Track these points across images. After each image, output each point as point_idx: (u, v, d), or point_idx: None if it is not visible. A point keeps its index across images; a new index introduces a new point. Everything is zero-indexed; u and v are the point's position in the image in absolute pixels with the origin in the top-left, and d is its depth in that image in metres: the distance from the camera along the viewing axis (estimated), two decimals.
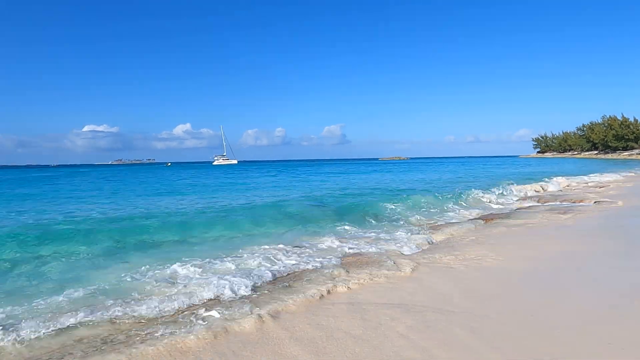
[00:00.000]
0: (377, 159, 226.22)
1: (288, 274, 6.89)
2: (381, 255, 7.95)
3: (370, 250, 8.68)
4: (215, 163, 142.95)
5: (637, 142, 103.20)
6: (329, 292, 5.77)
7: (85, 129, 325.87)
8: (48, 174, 67.21)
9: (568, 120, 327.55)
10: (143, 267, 7.20)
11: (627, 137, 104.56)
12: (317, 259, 7.76)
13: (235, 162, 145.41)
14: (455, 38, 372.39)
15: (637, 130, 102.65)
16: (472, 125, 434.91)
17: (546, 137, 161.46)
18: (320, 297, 5.56)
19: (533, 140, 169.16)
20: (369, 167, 77.52)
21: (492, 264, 7.01)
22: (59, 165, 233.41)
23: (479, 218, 12.84)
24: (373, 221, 12.21)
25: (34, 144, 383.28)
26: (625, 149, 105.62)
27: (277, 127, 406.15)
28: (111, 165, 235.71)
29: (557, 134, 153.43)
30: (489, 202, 17.20)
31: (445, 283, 6.03)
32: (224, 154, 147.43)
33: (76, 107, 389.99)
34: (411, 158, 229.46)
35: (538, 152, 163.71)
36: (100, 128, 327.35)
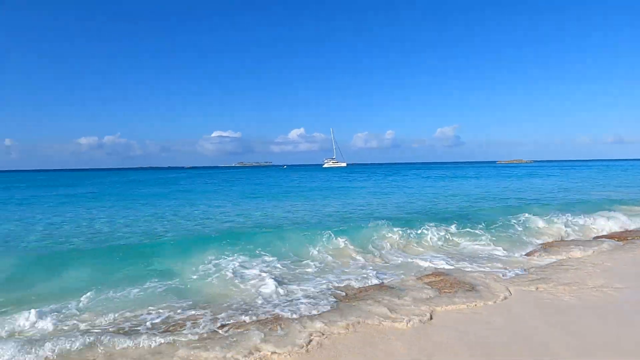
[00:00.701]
0: (494, 162, 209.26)
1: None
2: (474, 276, 7.02)
3: (464, 268, 7.79)
4: (325, 166, 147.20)
5: None
6: (391, 321, 5.20)
7: (214, 134, 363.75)
8: (205, 179, 75.97)
9: None
10: None
11: None
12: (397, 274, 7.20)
13: (344, 164, 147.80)
14: (585, 25, 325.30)
15: None
16: (614, 121, 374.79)
17: None
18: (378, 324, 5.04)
19: None
20: (482, 170, 71.83)
21: (616, 300, 5.65)
22: (192, 167, 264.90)
23: (609, 237, 10.73)
24: (475, 233, 10.98)
25: (173, 149, 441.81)
26: None
27: (387, 129, 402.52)
28: (234, 167, 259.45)
29: None
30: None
31: (542, 320, 4.99)
32: (334, 157, 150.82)
33: (207, 114, 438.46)
34: (535, 161, 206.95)
35: None
36: (226, 134, 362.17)
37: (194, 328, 4.97)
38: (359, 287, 6.66)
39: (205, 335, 4.78)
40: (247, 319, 5.25)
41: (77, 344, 4.44)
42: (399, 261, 8.57)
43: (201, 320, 5.20)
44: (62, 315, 5.44)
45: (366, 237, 10.13)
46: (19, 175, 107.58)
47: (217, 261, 7.90)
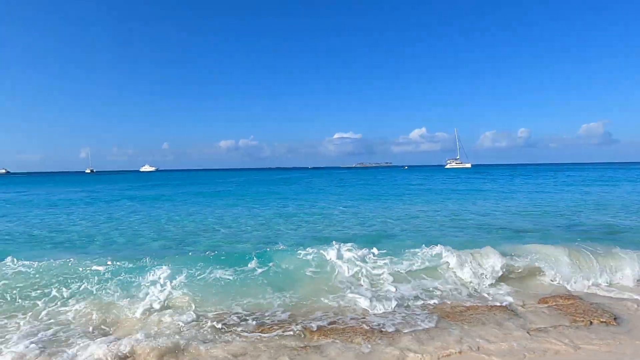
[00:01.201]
0: None
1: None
2: (618, 303, 5.98)
3: (597, 293, 6.75)
4: (447, 167, 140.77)
5: None
6: None
7: (335, 136, 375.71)
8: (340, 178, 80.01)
9: None
10: None
11: None
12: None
13: (468, 165, 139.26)
14: None
15: None
16: None
17: None
18: None
19: None
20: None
21: None
22: (314, 167, 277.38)
23: None
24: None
25: (298, 150, 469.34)
26: None
27: (520, 127, 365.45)
28: (354, 167, 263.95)
29: None
30: None
31: None
32: (457, 157, 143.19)
33: (330, 116, 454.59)
34: None
35: None
36: (346, 135, 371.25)
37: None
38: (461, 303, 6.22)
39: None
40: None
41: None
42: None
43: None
44: None
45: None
46: (174, 173, 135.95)
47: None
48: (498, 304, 6.15)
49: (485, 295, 6.68)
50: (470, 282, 7.21)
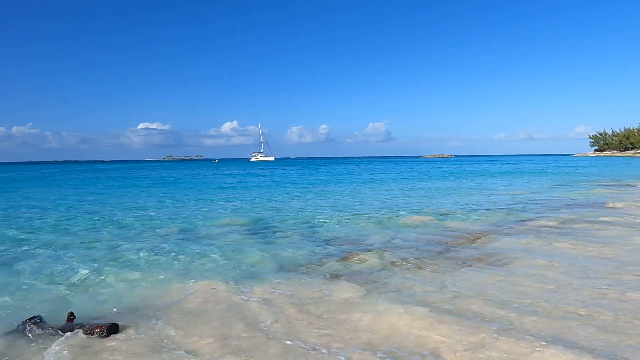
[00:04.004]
0: (419, 157, 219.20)
1: None
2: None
3: None
4: (252, 159, 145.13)
5: None
6: None
7: (140, 126, 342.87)
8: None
9: (633, 115, 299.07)
10: None
11: None
12: None
13: (272, 159, 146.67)
14: (502, 31, 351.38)
15: None
16: (525, 122, 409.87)
17: (605, 134, 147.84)
18: None
19: (590, 137, 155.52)
20: (393, 166, 74.46)
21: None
22: (111, 160, 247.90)
23: None
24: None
25: (95, 141, 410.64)
26: None
27: (322, 124, 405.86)
28: (161, 161, 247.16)
29: (619, 131, 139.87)
30: None
31: None
32: (262, 150, 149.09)
33: (133, 105, 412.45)
34: (457, 156, 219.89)
35: (596, 150, 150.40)
36: (153, 125, 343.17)
37: None
38: None
39: None
40: None
41: None
42: None
43: None
44: None
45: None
46: None
47: None
48: None
49: None
50: None
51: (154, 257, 7.64)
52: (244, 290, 5.54)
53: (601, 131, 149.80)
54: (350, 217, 12.29)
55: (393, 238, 9.05)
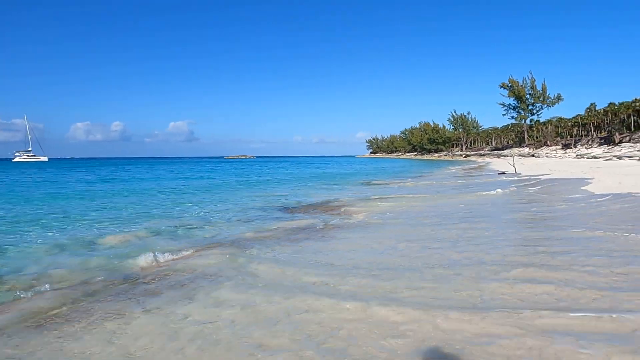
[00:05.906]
0: (222, 157, 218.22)
1: None
2: None
3: None
4: (16, 160, 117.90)
5: (444, 145, 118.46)
6: None
7: None
8: None
9: (395, 124, 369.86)
10: None
11: (437, 140, 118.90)
12: None
13: (44, 159, 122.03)
14: (307, 48, 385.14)
15: (444, 135, 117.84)
16: (318, 127, 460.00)
17: (377, 139, 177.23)
18: None
19: (367, 142, 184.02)
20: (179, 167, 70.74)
21: None
22: None
23: None
24: None
25: None
26: (436, 151, 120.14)
27: (115, 121, 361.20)
28: None
29: (386, 137, 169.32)
30: None
31: None
32: (30, 149, 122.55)
33: None
34: (258, 157, 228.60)
35: (371, 152, 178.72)
36: None
37: None
38: None
39: None
40: None
41: None
42: None
43: None
44: None
45: None
46: None
47: None
48: None
49: None
50: None
51: None
52: None
53: (374, 137, 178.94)
54: None
55: None
